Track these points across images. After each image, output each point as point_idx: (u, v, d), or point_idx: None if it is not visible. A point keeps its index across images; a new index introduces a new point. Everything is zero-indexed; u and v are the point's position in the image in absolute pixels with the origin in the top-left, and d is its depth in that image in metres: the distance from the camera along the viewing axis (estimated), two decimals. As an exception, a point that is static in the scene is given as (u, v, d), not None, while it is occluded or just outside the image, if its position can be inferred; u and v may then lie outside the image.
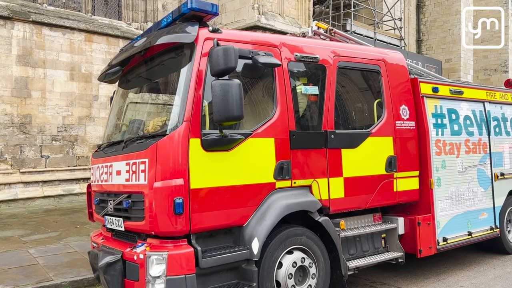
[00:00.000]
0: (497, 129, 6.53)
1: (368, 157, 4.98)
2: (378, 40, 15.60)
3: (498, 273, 5.81)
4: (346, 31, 14.69)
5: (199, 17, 4.06)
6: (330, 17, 15.82)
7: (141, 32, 9.48)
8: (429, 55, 23.07)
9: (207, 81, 3.81)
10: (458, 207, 5.80)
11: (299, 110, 4.53)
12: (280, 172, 4.24)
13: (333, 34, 5.92)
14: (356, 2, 16.00)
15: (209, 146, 3.75)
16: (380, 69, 5.27)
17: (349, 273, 4.60)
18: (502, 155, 6.57)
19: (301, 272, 4.27)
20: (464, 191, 5.91)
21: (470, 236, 5.90)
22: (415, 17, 24.36)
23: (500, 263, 6.25)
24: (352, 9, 15.33)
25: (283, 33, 10.78)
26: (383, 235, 5.20)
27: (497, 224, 6.35)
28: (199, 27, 3.98)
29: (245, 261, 3.92)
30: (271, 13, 12.07)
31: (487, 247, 6.58)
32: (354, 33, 14.75)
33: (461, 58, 23.28)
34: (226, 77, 3.63)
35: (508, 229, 6.71)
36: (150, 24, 12.73)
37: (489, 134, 6.36)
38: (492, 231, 6.25)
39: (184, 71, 3.91)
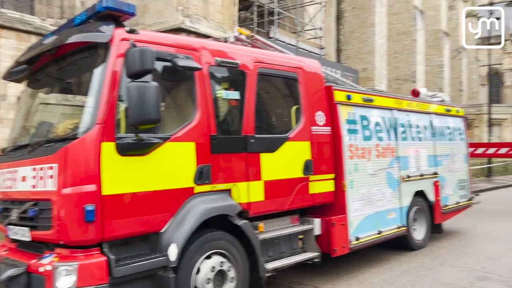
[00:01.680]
0: (403, 135, 7.07)
1: (286, 161, 5.14)
2: (300, 48, 16.17)
3: (404, 268, 6.28)
4: (270, 38, 15.05)
5: (115, 16, 3.93)
6: (255, 24, 16.12)
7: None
8: (348, 64, 24.39)
9: (122, 83, 3.69)
10: (369, 208, 6.18)
11: (219, 114, 4.55)
12: (200, 176, 4.22)
13: (254, 40, 6.05)
14: (280, 10, 16.47)
15: (124, 150, 3.63)
16: (297, 77, 5.46)
17: (268, 274, 4.70)
18: (408, 159, 7.12)
19: (220, 276, 4.27)
20: (374, 192, 6.31)
21: (380, 235, 6.31)
22: (335, 27, 25.67)
23: (406, 259, 6.75)
24: (276, 17, 15.76)
25: (208, 37, 10.77)
26: (301, 236, 5.39)
27: (404, 222, 6.86)
28: (115, 27, 3.85)
29: (162, 268, 3.84)
30: (196, 16, 12.01)
31: (395, 245, 7.06)
32: (278, 40, 15.15)
33: (376, 68, 24.91)
34: (143, 79, 3.54)
35: (414, 227, 7.28)
36: (66, 21, 12.01)
37: (396, 140, 6.87)
38: (399, 229, 6.74)
39: (98, 72, 3.75)
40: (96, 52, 3.85)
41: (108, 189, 3.54)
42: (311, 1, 18.17)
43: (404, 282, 5.65)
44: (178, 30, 11.46)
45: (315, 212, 5.67)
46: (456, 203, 8.35)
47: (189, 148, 4.14)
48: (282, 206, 5.09)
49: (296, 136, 5.31)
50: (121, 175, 3.64)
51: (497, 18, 26.05)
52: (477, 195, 9.50)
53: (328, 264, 6.02)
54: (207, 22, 12.24)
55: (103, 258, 3.49)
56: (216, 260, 4.22)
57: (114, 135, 3.61)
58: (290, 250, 5.22)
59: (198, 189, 4.20)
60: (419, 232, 7.38)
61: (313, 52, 17.39)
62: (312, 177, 5.42)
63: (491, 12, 25.09)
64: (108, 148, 3.56)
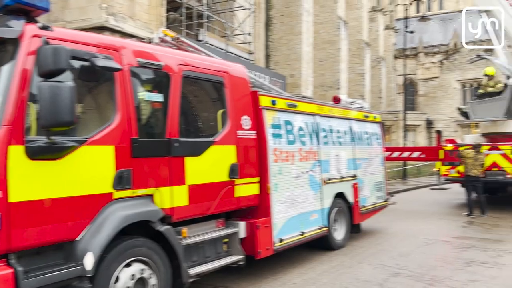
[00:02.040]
0: (325, 139, 7.38)
1: (211, 165, 5.12)
2: (229, 52, 16.26)
3: (325, 268, 6.53)
4: (199, 41, 14.96)
5: (26, 11, 3.67)
6: (184, 26, 15.93)
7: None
8: (276, 70, 24.96)
9: (34, 82, 3.45)
10: (293, 210, 6.36)
11: (142, 117, 4.43)
12: (120, 181, 4.07)
13: (180, 42, 5.97)
14: (209, 13, 16.44)
15: (34, 154, 3.40)
16: (223, 80, 5.48)
17: (191, 280, 4.64)
18: (329, 162, 7.44)
19: (141, 284, 4.15)
20: (298, 195, 6.51)
21: (303, 236, 6.52)
22: (264, 33, 26.15)
23: (328, 259, 7.04)
24: (205, 20, 15.70)
25: (134, 37, 10.46)
26: (226, 240, 5.40)
27: (325, 223, 7.15)
28: (26, 22, 3.60)
29: (77, 278, 3.64)
30: (121, 15, 11.59)
31: (317, 245, 7.34)
32: (207, 43, 15.11)
33: (303, 75, 25.75)
34: (57, 78, 3.34)
35: (334, 227, 7.61)
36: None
37: (318, 144, 7.15)
38: (321, 230, 7.01)
39: (6, 70, 3.47)
40: (4, 48, 3.57)
41: (15, 195, 3.28)
42: (240, 6, 18.36)
43: (325, 281, 5.88)
44: (101, 29, 10.98)
45: (241, 215, 5.72)
46: (373, 204, 8.88)
47: (107, 152, 3.98)
48: (207, 210, 5.07)
49: (222, 140, 5.32)
50: (31, 181, 3.40)
51: (411, 32, 28.08)
52: (392, 196, 10.18)
53: (254, 265, 6.09)
54: (133, 22, 11.87)
55: (9, 270, 3.23)
56: (136, 267, 4.09)
57: (24, 137, 3.36)
58: (214, 254, 5.21)
59: (118, 194, 4.05)
60: (339, 232, 7.74)
61: (242, 57, 17.56)
62: (237, 181, 5.46)
63: (406, 26, 27.09)
64: (16, 152, 3.31)
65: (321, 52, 31.59)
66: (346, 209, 7.89)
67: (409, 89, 50.44)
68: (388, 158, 12.83)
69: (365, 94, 37.91)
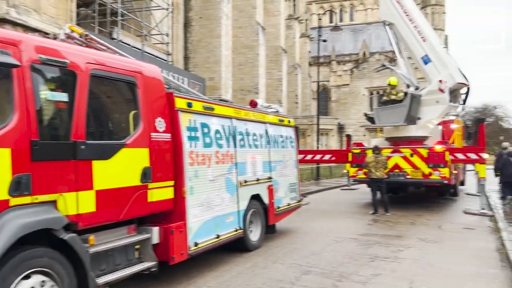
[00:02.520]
0: (242, 142, 7.46)
1: (122, 169, 4.92)
2: (145, 52, 15.79)
3: (240, 269, 6.59)
4: (113, 39, 14.34)
5: None
6: (97, 23, 15.16)
7: None
8: (195, 72, 24.79)
9: None
10: (209, 213, 6.33)
11: (43, 117, 4.11)
12: (17, 187, 3.74)
13: (88, 40, 5.66)
14: (124, 11, 15.84)
15: None
16: (136, 81, 5.30)
17: (100, 290, 4.41)
18: (246, 165, 7.54)
19: (42, 297, 3.84)
20: (214, 197, 6.50)
21: (218, 239, 6.52)
22: (182, 35, 25.83)
23: (243, 260, 7.11)
24: (120, 17, 15.08)
25: (39, 31, 9.71)
26: (137, 246, 5.21)
27: (241, 225, 7.23)
28: None
29: (-34, 295, 3.28)
30: (24, 7, 10.71)
31: (234, 247, 7.39)
32: (121, 42, 14.53)
33: (222, 78, 25.87)
34: None
35: (250, 229, 7.72)
36: None
37: (235, 147, 7.21)
38: (237, 232, 7.07)
39: None
40: None
41: None
42: (158, 6, 17.93)
43: (240, 282, 5.93)
44: (1, 22, 10.05)
45: (155, 220, 5.56)
46: (288, 205, 9.17)
47: (2, 156, 3.64)
48: (117, 216, 4.85)
49: (134, 142, 5.13)
50: None
51: (324, 41, 29.51)
52: (305, 196, 10.60)
53: (168, 271, 5.96)
54: (38, 15, 11.02)
55: None
56: (36, 279, 3.78)
57: None
58: (125, 261, 5.00)
59: (15, 201, 3.72)
60: (255, 234, 7.87)
61: (159, 58, 17.17)
62: (150, 185, 5.30)
63: (320, 35, 28.44)
64: None
65: (240, 56, 32.04)
66: (262, 210, 8.05)
67: (323, 95, 53.10)
68: (302, 161, 13.35)
69: (282, 99, 39.15)
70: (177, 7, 24.75)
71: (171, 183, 5.72)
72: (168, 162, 5.68)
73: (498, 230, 9.56)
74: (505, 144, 14.83)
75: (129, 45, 14.97)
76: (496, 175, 14.40)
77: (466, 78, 13.38)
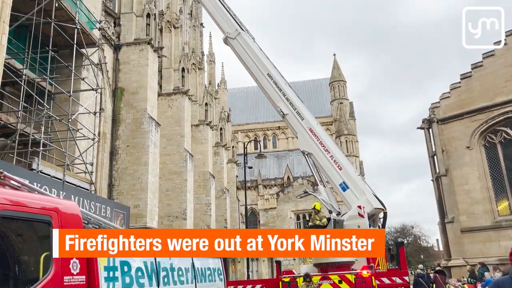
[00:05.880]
0: (165, 279, 7.03)
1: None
2: (67, 182, 15.21)
3: None
4: (32, 169, 13.76)
5: None
6: (15, 153, 14.61)
7: None
8: (120, 200, 24.01)
9: None
10: None
11: None
12: None
13: (2, 177, 5.39)
14: (47, 142, 15.56)
15: None
16: (51, 220, 5.00)
17: None
18: (170, 304, 7.01)
19: None
20: None
21: None
22: (108, 162, 25.56)
23: None
24: (41, 148, 14.73)
25: None
26: None
27: None
28: None
29: None
30: None
31: None
32: (41, 172, 13.96)
33: (148, 205, 25.23)
34: None
35: None
36: None
37: (158, 285, 6.75)
38: None
39: None
40: None
41: None
42: (83, 136, 17.92)
43: None
44: None
45: None
46: None
47: None
48: None
49: (44, 288, 4.63)
50: None
51: (250, 167, 30.76)
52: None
53: None
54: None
55: None
56: None
57: None
58: None
59: None
60: None
61: (81, 187, 16.57)
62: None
63: (245, 161, 29.68)
64: None
65: (168, 182, 31.96)
66: None
67: (251, 218, 53.43)
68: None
69: (211, 224, 38.62)
70: (104, 136, 24.93)
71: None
72: (81, 308, 5.13)
73: None
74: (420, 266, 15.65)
75: (49, 175, 14.40)
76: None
77: (382, 203, 14.35)
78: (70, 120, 16.46)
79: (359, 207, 13.89)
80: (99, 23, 21.16)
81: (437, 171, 28.01)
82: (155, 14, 29.03)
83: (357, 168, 55.76)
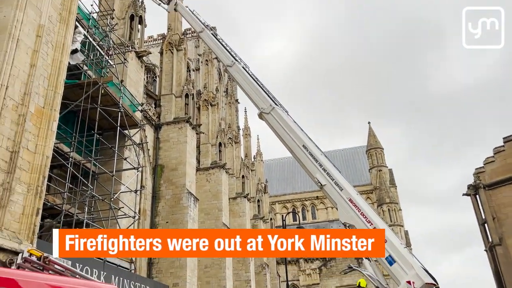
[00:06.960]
0: None
1: None
2: (108, 262, 15.27)
3: None
4: (75, 249, 13.98)
5: None
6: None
7: None
8: (159, 278, 23.70)
9: None
10: None
11: None
12: None
13: (47, 262, 5.48)
14: (90, 222, 15.94)
15: None
16: (92, 306, 4.96)
17: None
18: None
19: None
20: None
21: None
22: (148, 240, 25.64)
23: None
24: (84, 228, 15.07)
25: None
26: None
27: None
28: None
29: None
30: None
31: None
32: (83, 252, 14.13)
33: (187, 283, 24.70)
34: None
35: None
36: None
37: None
38: None
39: None
40: None
41: None
42: (124, 214, 18.26)
43: None
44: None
45: None
46: None
47: None
48: None
49: None
50: None
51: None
52: None
53: None
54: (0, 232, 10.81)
55: None
56: None
57: None
58: None
59: None
60: None
61: (122, 266, 16.56)
62: None
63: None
64: None
65: (206, 258, 31.44)
66: None
67: (296, 295, 50.79)
68: None
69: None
70: (144, 213, 25.30)
71: None
72: None
73: None
74: None
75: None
76: None
77: (433, 278, 13.38)
78: (112, 199, 16.90)
79: (409, 282, 12.99)
80: (141, 106, 22.41)
81: (490, 240, 26.23)
82: (193, 94, 30.58)
83: (402, 239, 53.11)
